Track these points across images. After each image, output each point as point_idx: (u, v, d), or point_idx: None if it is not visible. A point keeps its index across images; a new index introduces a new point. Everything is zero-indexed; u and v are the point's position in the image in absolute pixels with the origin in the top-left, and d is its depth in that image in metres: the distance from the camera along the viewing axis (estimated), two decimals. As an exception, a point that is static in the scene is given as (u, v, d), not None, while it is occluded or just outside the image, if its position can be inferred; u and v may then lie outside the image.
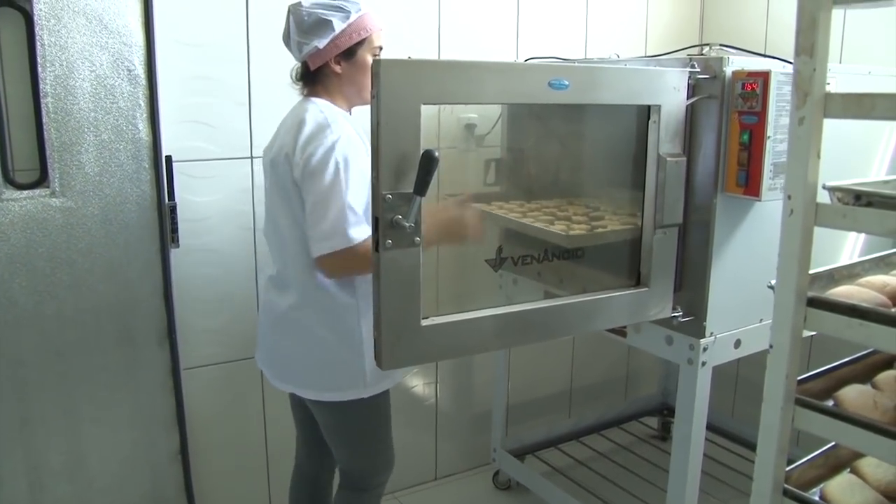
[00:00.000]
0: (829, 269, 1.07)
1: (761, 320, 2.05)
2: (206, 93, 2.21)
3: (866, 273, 1.11)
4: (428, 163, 1.48)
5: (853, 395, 1.00)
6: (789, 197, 0.88)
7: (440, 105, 2.54)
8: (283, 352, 1.94)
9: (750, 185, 1.81)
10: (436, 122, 2.63)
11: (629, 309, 1.92)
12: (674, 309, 1.94)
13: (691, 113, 1.87)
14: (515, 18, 2.74)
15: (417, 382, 2.82)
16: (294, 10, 1.84)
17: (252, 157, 2.30)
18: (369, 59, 1.86)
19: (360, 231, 1.73)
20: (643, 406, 3.27)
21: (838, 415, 0.95)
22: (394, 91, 1.45)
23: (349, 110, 1.94)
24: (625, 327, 2.12)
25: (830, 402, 1.03)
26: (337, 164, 1.73)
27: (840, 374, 1.08)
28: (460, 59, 1.79)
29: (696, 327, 1.94)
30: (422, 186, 1.49)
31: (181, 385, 2.23)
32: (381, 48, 1.92)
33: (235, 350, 2.39)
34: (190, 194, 2.22)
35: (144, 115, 2.07)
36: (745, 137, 1.79)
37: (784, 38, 2.88)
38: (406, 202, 1.50)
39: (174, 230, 2.17)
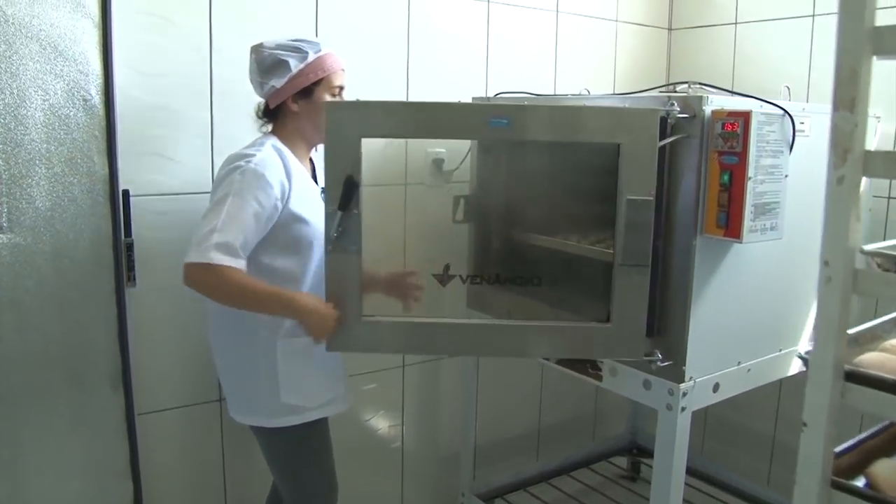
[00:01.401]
0: (854, 333, 1.01)
1: (739, 363, 2.01)
2: (166, 125, 2.11)
3: (888, 335, 1.06)
4: (349, 186, 1.80)
5: (887, 473, 0.94)
6: (826, 263, 0.82)
7: (407, 141, 2.51)
8: (218, 369, 2.08)
9: (731, 226, 1.77)
10: (402, 157, 2.57)
11: (588, 342, 1.93)
12: (652, 353, 1.89)
13: (669, 152, 1.83)
14: (485, 53, 2.70)
15: (382, 425, 2.73)
16: (255, 50, 1.92)
17: (214, 192, 2.20)
18: (327, 99, 1.93)
19: (219, 256, 1.72)
20: (612, 445, 3.22)
21: (880, 500, 0.88)
22: (338, 127, 1.80)
23: (309, 148, 2.02)
24: (600, 371, 2.07)
25: (862, 480, 0.97)
26: (235, 187, 1.78)
27: (866, 446, 1.02)
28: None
29: (675, 372, 1.89)
30: (344, 204, 1.80)
31: (135, 431, 2.10)
32: (341, 88, 1.98)
33: (194, 394, 2.27)
34: (148, 230, 2.11)
35: (101, 147, 1.96)
36: (726, 178, 1.76)
37: (753, 74, 2.89)
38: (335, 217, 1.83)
39: (131, 268, 2.06)
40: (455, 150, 2.55)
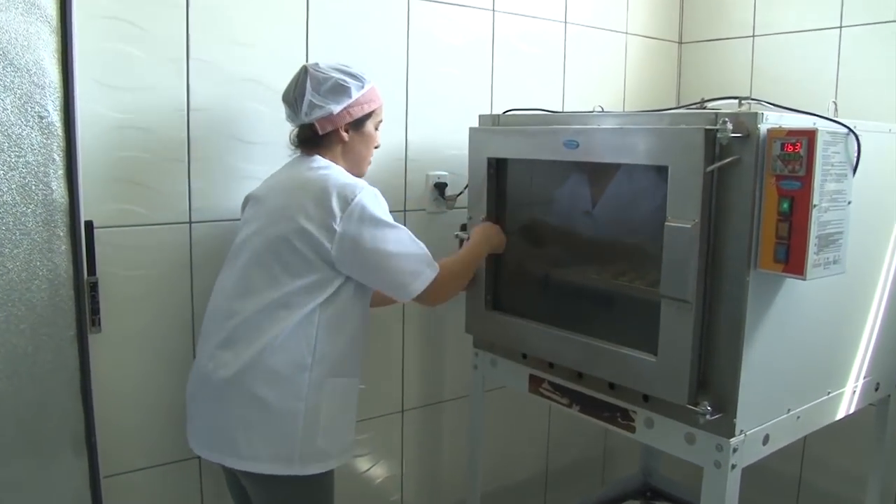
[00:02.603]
0: None
1: (789, 410, 1.79)
2: (136, 146, 1.85)
3: None
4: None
5: None
6: None
7: (407, 162, 2.28)
8: (220, 421, 1.79)
9: (792, 261, 1.54)
10: (402, 180, 2.33)
11: (634, 372, 1.77)
12: (699, 403, 1.66)
13: (717, 177, 1.61)
14: (490, 67, 2.48)
15: (379, 475, 2.47)
16: (312, 70, 1.82)
17: (191, 222, 1.95)
18: (374, 132, 1.93)
19: (432, 266, 1.86)
20: (624, 489, 2.97)
21: None
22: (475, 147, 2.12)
23: None
24: (632, 422, 1.84)
25: None
26: (382, 207, 1.80)
27: None
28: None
29: (723, 425, 1.66)
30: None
31: (101, 498, 1.83)
32: (381, 122, 1.96)
33: (169, 451, 2.01)
34: (115, 267, 1.85)
35: (59, 172, 1.70)
36: (785, 206, 1.54)
37: (773, 90, 2.69)
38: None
39: (95, 312, 1.80)
40: (459, 174, 2.32)
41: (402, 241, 1.81)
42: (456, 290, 2.00)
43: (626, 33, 2.85)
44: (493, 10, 2.47)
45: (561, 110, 2.64)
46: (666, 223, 1.64)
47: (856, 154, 1.62)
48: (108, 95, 1.80)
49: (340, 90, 1.82)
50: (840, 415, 1.98)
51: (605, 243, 2.04)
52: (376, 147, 1.96)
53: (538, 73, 2.62)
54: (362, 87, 1.86)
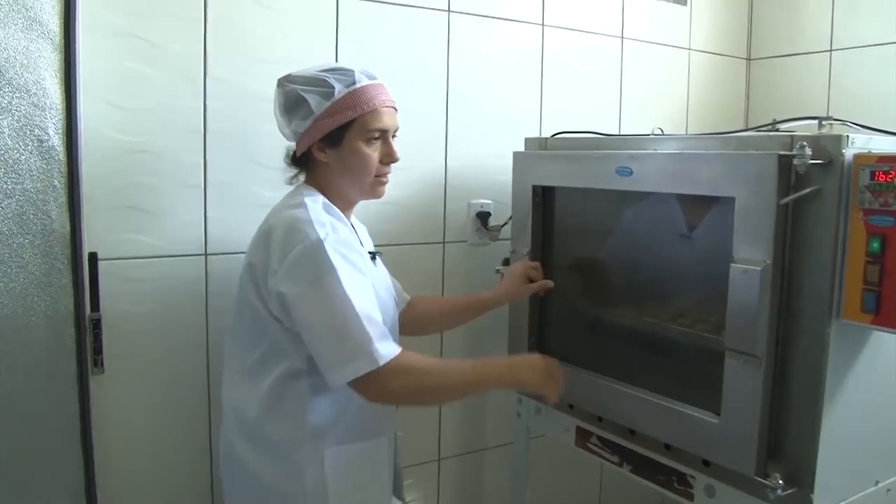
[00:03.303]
0: None
1: (877, 483, 1.55)
2: (146, 171, 1.72)
3: None
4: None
5: None
6: None
7: (447, 189, 2.11)
8: (228, 497, 1.64)
9: (884, 311, 1.31)
10: (440, 210, 2.16)
11: (694, 434, 1.57)
12: (769, 475, 1.42)
13: (793, 210, 1.39)
14: (539, 85, 2.29)
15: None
16: (280, 85, 1.57)
17: (207, 255, 1.81)
18: (362, 147, 1.54)
19: (387, 347, 1.41)
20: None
21: None
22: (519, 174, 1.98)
23: (347, 206, 1.63)
24: (690, 488, 1.62)
25: None
26: (331, 263, 1.41)
27: None
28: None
29: (799, 501, 1.43)
30: None
31: (102, 554, 1.69)
32: (384, 131, 1.56)
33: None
34: (121, 303, 1.71)
35: (61, 200, 1.59)
36: (876, 246, 1.31)
37: (853, 110, 2.42)
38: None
39: (98, 351, 1.67)
40: (504, 202, 2.13)
41: (337, 315, 1.40)
42: (412, 398, 1.55)
43: (689, 49, 2.63)
44: (543, 24, 2.28)
45: (617, 133, 2.44)
46: (731, 265, 1.44)
47: (962, 185, 1.38)
48: (118, 117, 1.67)
49: (299, 104, 1.52)
50: (941, 486, 1.71)
51: (662, 280, 1.82)
52: (391, 162, 1.59)
53: (592, 93, 2.42)
54: (331, 96, 1.51)
